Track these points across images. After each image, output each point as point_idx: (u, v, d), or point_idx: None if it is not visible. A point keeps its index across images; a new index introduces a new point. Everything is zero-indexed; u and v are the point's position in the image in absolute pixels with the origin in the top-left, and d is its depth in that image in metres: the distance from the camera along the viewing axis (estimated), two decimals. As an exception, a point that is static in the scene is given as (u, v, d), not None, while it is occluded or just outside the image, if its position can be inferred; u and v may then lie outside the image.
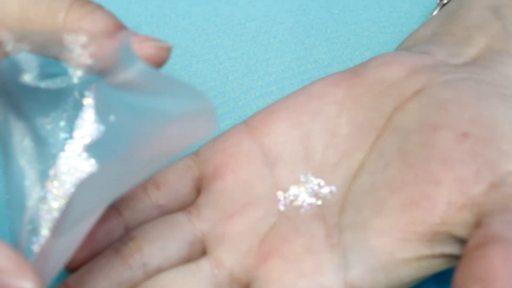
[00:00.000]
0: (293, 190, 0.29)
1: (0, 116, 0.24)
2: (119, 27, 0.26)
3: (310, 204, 0.28)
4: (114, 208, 0.28)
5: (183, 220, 0.28)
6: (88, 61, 0.24)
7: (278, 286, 0.26)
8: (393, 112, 0.28)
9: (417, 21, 0.38)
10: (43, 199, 0.24)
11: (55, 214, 0.24)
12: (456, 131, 0.25)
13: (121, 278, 0.26)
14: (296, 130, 0.29)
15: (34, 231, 0.24)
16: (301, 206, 0.28)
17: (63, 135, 0.24)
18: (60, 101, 0.24)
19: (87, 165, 0.24)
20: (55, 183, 0.24)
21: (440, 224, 0.25)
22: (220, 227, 0.28)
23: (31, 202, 0.24)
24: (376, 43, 0.38)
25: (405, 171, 0.26)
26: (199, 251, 0.28)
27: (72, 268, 0.27)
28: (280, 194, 0.29)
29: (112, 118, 0.24)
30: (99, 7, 0.26)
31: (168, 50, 0.26)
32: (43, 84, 0.24)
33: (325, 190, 0.28)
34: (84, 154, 0.24)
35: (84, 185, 0.21)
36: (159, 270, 0.27)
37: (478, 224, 0.24)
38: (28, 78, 0.24)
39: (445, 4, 0.35)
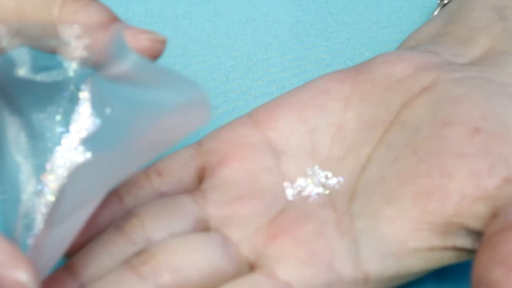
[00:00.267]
0: (300, 182, 0.28)
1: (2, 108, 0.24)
2: (114, 19, 0.26)
3: (318, 194, 0.28)
4: (115, 194, 0.28)
5: (187, 201, 0.28)
6: (83, 53, 0.24)
7: (289, 263, 0.25)
8: (401, 108, 0.28)
9: (417, 21, 0.38)
10: (39, 193, 0.24)
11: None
12: (468, 127, 0.25)
13: (125, 254, 0.26)
14: (302, 125, 0.29)
15: (30, 225, 0.24)
16: (309, 196, 0.28)
17: (59, 129, 0.25)
18: (56, 95, 0.25)
19: (83, 159, 0.24)
20: (51, 177, 0.24)
21: (453, 216, 0.24)
22: (227, 209, 0.27)
23: (26, 196, 0.24)
24: (376, 43, 0.38)
25: (416, 164, 0.26)
26: (203, 230, 0.27)
27: (72, 254, 0.26)
28: (287, 184, 0.28)
29: (108, 111, 0.24)
30: (94, 0, 0.26)
31: (162, 43, 0.26)
32: (38, 78, 0.24)
33: (333, 181, 0.28)
34: (80, 148, 0.24)
35: (75, 175, 0.21)
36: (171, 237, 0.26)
37: (494, 215, 0.24)
38: (23, 72, 0.24)
39: (445, 4, 0.35)
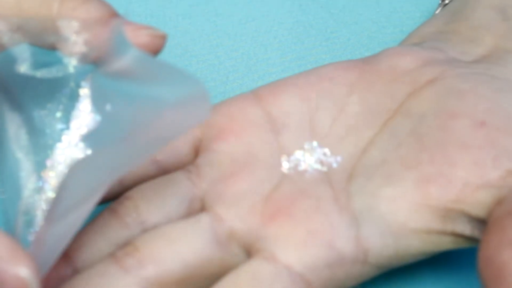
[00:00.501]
0: (298, 155, 0.28)
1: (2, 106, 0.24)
2: (113, 15, 0.26)
3: (315, 169, 0.28)
4: None
5: (181, 178, 0.27)
6: (83, 49, 0.24)
7: (287, 244, 0.25)
8: (407, 98, 0.28)
9: (417, 21, 0.38)
10: (40, 190, 0.24)
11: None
12: (473, 119, 0.25)
13: (119, 237, 0.26)
14: (305, 103, 0.29)
15: (30, 221, 0.24)
16: (305, 171, 0.28)
17: (59, 125, 0.25)
18: (56, 92, 0.25)
19: (84, 155, 0.24)
20: (52, 173, 0.24)
21: (454, 201, 0.24)
22: (221, 185, 0.27)
23: (26, 193, 0.24)
24: (376, 43, 0.38)
25: (419, 151, 0.26)
26: (198, 209, 0.27)
27: None
28: (284, 157, 0.28)
29: (108, 107, 0.24)
30: None
31: (162, 38, 0.26)
32: (38, 74, 0.24)
33: (331, 159, 0.28)
34: (81, 144, 0.24)
35: (76, 171, 0.21)
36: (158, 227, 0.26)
37: (498, 202, 0.24)
38: (24, 68, 0.24)
39: (446, 4, 0.35)
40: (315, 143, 0.28)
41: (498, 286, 0.22)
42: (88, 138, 0.24)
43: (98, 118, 0.24)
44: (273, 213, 0.26)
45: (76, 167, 0.21)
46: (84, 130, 0.24)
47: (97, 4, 0.26)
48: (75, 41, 0.24)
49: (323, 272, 0.25)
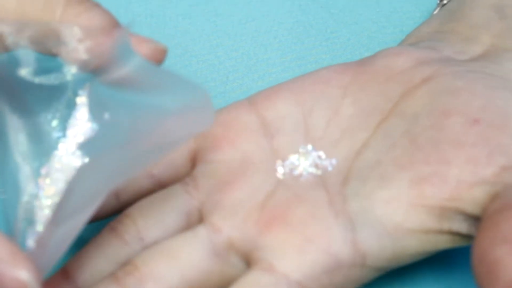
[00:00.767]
0: (292, 159, 0.28)
1: (2, 108, 0.24)
2: (116, 25, 0.26)
3: (310, 173, 0.28)
4: None
5: (179, 191, 0.28)
6: (84, 56, 0.24)
7: (285, 252, 0.25)
8: (400, 97, 0.28)
9: (417, 21, 0.38)
10: (35, 196, 0.24)
11: (47, 211, 0.24)
12: (467, 117, 0.25)
13: (120, 255, 0.26)
14: (299, 107, 0.29)
15: (27, 226, 0.24)
16: (300, 175, 0.28)
17: (55, 134, 0.25)
18: (53, 99, 0.25)
19: (81, 163, 0.24)
20: (48, 181, 0.24)
21: (449, 200, 0.24)
22: (217, 195, 0.27)
23: (25, 198, 0.24)
24: (376, 43, 0.38)
25: (413, 151, 0.26)
26: (196, 221, 0.27)
27: None
28: (279, 162, 0.28)
29: (106, 116, 0.24)
30: (97, 4, 0.26)
31: (164, 52, 0.26)
32: (37, 80, 0.24)
33: (326, 162, 0.28)
34: (78, 152, 0.24)
35: (82, 174, 0.21)
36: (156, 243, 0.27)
37: (492, 199, 0.24)
38: (24, 72, 0.24)
39: (445, 4, 0.35)
40: (309, 147, 0.28)
41: (491, 283, 0.22)
42: (86, 146, 0.24)
43: (95, 126, 0.24)
44: (269, 221, 0.26)
45: (82, 171, 0.21)
46: (80, 139, 0.24)
47: (99, 12, 0.26)
48: (77, 48, 0.24)
49: (322, 278, 0.25)
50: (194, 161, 0.29)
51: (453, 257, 0.28)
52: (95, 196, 0.23)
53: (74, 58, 0.24)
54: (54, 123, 0.25)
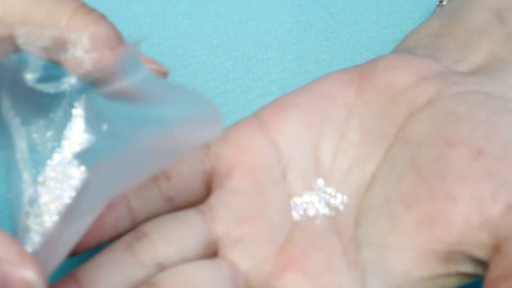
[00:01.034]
0: (306, 198, 0.28)
1: (8, 113, 0.24)
2: (120, 40, 0.26)
3: (324, 215, 0.28)
4: (122, 196, 0.27)
5: (197, 220, 0.28)
6: (88, 66, 0.24)
7: None
8: (405, 121, 0.28)
9: (417, 21, 0.38)
10: (33, 203, 0.24)
11: (46, 217, 0.24)
12: (471, 148, 0.25)
13: (135, 276, 0.26)
14: (308, 130, 0.29)
15: (28, 230, 0.24)
16: (315, 217, 0.28)
17: (50, 143, 0.25)
18: (50, 109, 0.25)
19: (77, 172, 0.24)
20: (44, 189, 0.24)
21: (457, 244, 0.24)
22: (236, 231, 0.27)
23: (26, 202, 0.24)
24: (376, 43, 0.38)
25: (419, 186, 0.26)
26: (212, 254, 0.27)
27: (74, 253, 0.26)
28: (293, 203, 0.28)
29: (105, 127, 0.24)
30: (103, 17, 0.27)
31: (165, 74, 0.26)
32: (37, 87, 0.24)
33: (338, 200, 0.28)
34: (75, 162, 0.24)
35: (97, 174, 0.21)
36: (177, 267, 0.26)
37: (497, 249, 0.24)
38: (27, 77, 0.24)
39: (444, 5, 0.35)
40: (321, 182, 0.29)
41: None
42: (82, 156, 0.24)
43: (91, 137, 0.24)
44: (286, 265, 0.26)
45: (95, 172, 0.21)
46: (76, 149, 0.24)
47: (106, 25, 0.26)
48: (82, 58, 0.24)
49: None
50: (209, 184, 0.29)
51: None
52: (98, 202, 0.23)
53: (78, 68, 0.24)
54: (49, 133, 0.25)
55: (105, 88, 0.24)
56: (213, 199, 0.28)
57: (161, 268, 0.26)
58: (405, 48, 0.32)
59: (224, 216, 0.28)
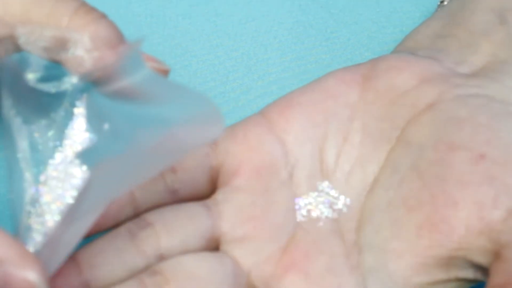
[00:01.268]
0: (311, 199, 0.28)
1: (10, 111, 0.24)
2: (121, 39, 0.26)
3: (327, 217, 0.28)
4: None
5: (202, 214, 0.28)
6: (89, 66, 0.24)
7: None
8: (406, 123, 0.28)
9: (417, 21, 0.38)
10: (35, 203, 0.24)
11: (47, 217, 0.24)
12: (472, 152, 0.25)
13: (136, 265, 0.26)
14: (313, 130, 0.29)
15: (29, 231, 0.24)
16: (318, 219, 0.28)
17: (52, 143, 0.25)
18: (51, 108, 0.25)
19: (79, 172, 0.24)
20: (46, 188, 0.24)
21: (457, 249, 0.24)
22: (240, 229, 0.27)
23: (28, 202, 0.24)
24: (376, 43, 0.38)
25: (420, 190, 0.26)
26: (214, 248, 0.27)
27: None
28: (298, 204, 0.28)
29: (106, 126, 0.24)
30: (104, 16, 0.27)
31: (166, 72, 0.26)
32: (38, 86, 0.24)
33: (341, 202, 0.28)
34: (77, 161, 0.24)
35: (98, 174, 0.21)
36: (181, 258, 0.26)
37: (498, 255, 0.24)
38: (28, 77, 0.24)
39: (444, 5, 0.35)
40: (325, 183, 0.29)
41: None
42: (84, 155, 0.24)
43: (93, 137, 0.24)
44: (288, 266, 0.27)
45: (97, 172, 0.21)
46: (78, 148, 0.24)
47: (106, 24, 0.26)
48: (83, 58, 0.24)
49: None
50: (214, 180, 0.29)
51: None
52: (99, 201, 0.23)
53: (80, 67, 0.24)
54: (50, 132, 0.25)
55: (106, 87, 0.24)
56: (220, 195, 0.28)
57: (162, 258, 0.26)
58: (405, 48, 0.32)
59: (230, 213, 0.28)
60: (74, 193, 0.24)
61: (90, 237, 0.27)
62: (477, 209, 0.24)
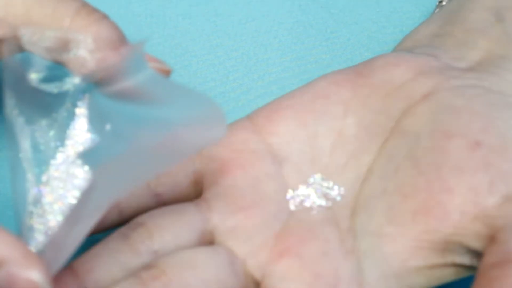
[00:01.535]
0: (302, 190, 0.28)
1: (13, 111, 0.24)
2: (123, 39, 0.26)
3: (320, 206, 0.28)
4: None
5: (192, 210, 0.28)
6: (92, 67, 0.24)
7: (294, 284, 0.25)
8: (402, 115, 0.28)
9: (417, 21, 0.38)
10: (37, 203, 0.24)
11: (49, 217, 0.24)
12: (468, 139, 0.25)
13: (131, 264, 0.26)
14: (302, 130, 0.29)
15: (32, 231, 0.24)
16: (311, 208, 0.28)
17: (53, 143, 0.25)
18: (52, 109, 0.25)
19: (81, 172, 0.24)
20: (48, 188, 0.24)
21: (452, 234, 0.25)
22: (232, 219, 0.27)
23: (30, 202, 0.24)
24: (376, 43, 0.38)
25: (416, 177, 0.26)
26: (208, 243, 0.27)
27: None
28: (289, 194, 0.28)
29: (108, 127, 0.24)
30: (106, 17, 0.27)
31: (168, 73, 0.26)
32: (40, 86, 0.24)
33: (334, 192, 0.28)
34: (78, 161, 0.24)
35: (104, 175, 0.21)
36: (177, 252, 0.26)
37: (492, 238, 0.24)
38: (31, 77, 0.24)
39: (443, 6, 0.35)
40: (318, 176, 0.28)
41: None
42: (86, 156, 0.24)
43: (95, 137, 0.24)
44: (282, 251, 0.26)
45: (100, 174, 0.21)
46: (80, 148, 0.24)
47: (108, 25, 0.26)
48: (86, 59, 0.24)
49: None
50: (198, 183, 0.29)
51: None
52: (102, 202, 0.23)
53: (81, 68, 0.24)
54: (52, 132, 0.25)
55: (108, 88, 0.24)
56: (208, 193, 0.28)
57: (157, 256, 0.26)
58: (404, 48, 0.32)
59: (220, 206, 0.28)
60: (76, 193, 0.24)
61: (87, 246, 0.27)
62: (472, 195, 0.24)
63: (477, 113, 0.26)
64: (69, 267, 0.26)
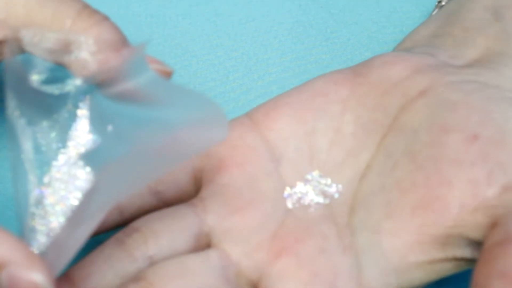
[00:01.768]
0: (300, 187, 0.28)
1: (14, 112, 0.24)
2: (124, 41, 0.26)
3: (318, 203, 0.28)
4: None
5: (188, 213, 0.27)
6: (92, 67, 0.24)
7: (292, 283, 0.25)
8: (399, 111, 0.28)
9: (417, 21, 0.38)
10: (39, 205, 0.24)
11: (51, 218, 0.24)
12: (466, 133, 0.25)
13: (127, 270, 0.26)
14: (300, 127, 0.29)
15: (34, 232, 0.24)
16: (309, 206, 0.28)
17: (55, 144, 0.25)
18: (54, 110, 0.25)
19: (83, 173, 0.24)
20: (50, 190, 0.24)
21: (453, 227, 0.25)
22: (228, 221, 0.27)
23: (32, 203, 0.24)
24: (376, 43, 0.38)
25: (414, 172, 0.26)
26: (205, 244, 0.27)
27: None
28: (287, 192, 0.28)
29: (110, 128, 0.24)
30: (106, 18, 0.27)
31: (170, 74, 0.26)
32: (42, 88, 0.24)
33: (332, 189, 0.28)
34: (80, 163, 0.24)
35: (106, 177, 0.21)
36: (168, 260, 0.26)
37: (493, 225, 0.24)
38: (32, 78, 0.24)
39: (443, 6, 0.35)
40: (316, 173, 0.29)
41: None
42: (88, 157, 0.24)
43: (96, 138, 0.24)
44: (279, 251, 0.26)
45: (102, 176, 0.21)
46: (81, 150, 0.24)
47: (109, 27, 0.26)
48: (88, 61, 0.24)
49: None
50: (198, 180, 0.29)
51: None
52: (105, 204, 0.23)
53: (83, 70, 0.24)
54: (54, 133, 0.25)
55: (110, 89, 0.24)
56: (204, 192, 0.28)
57: (152, 261, 0.26)
58: (404, 48, 0.32)
59: (215, 207, 0.28)
60: (78, 194, 0.24)
61: (84, 252, 0.27)
62: (471, 187, 0.24)
63: (474, 106, 0.26)
64: (65, 275, 0.26)
